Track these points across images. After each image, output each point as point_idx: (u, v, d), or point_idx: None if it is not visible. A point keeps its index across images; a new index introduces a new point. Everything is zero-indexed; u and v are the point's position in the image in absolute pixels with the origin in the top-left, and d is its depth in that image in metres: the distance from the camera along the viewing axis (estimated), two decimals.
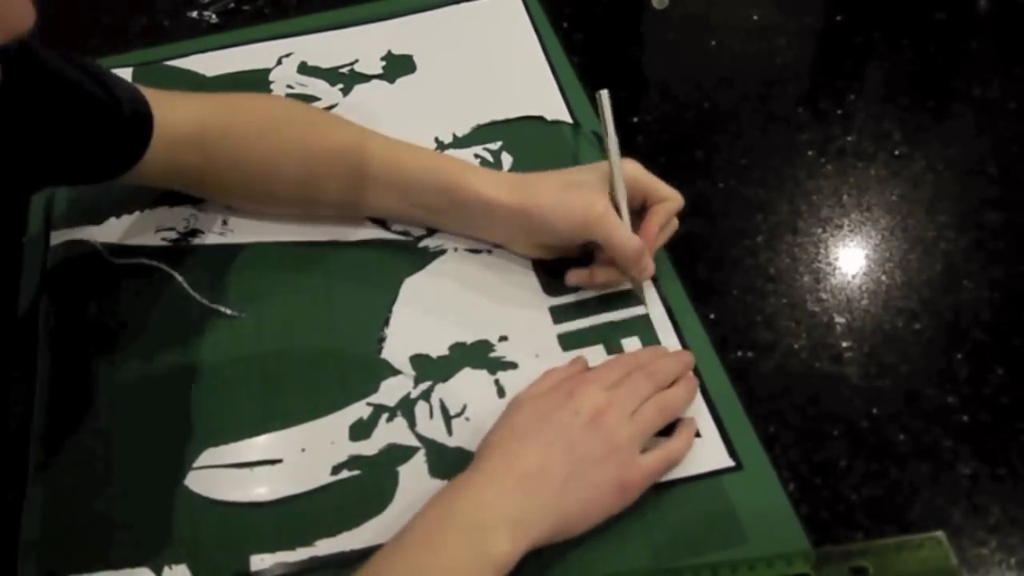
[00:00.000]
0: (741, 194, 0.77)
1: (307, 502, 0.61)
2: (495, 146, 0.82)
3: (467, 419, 0.64)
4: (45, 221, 0.79)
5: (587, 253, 0.71)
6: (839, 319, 0.68)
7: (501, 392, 0.66)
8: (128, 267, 0.75)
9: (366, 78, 0.90)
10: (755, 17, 0.93)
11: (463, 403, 0.65)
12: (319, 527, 0.60)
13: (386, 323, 0.70)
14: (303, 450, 0.64)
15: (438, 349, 0.68)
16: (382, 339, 0.69)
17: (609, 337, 0.68)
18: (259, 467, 0.63)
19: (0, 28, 0.38)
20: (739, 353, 0.67)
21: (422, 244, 0.75)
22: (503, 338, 0.69)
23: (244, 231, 0.77)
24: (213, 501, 0.62)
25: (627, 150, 0.80)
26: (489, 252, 0.74)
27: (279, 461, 0.63)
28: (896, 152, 0.80)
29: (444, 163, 0.72)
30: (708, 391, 0.65)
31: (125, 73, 0.92)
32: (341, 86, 0.89)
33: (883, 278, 0.71)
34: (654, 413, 0.60)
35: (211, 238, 0.77)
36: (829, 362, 0.66)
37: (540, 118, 0.84)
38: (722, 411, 0.64)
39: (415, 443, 0.63)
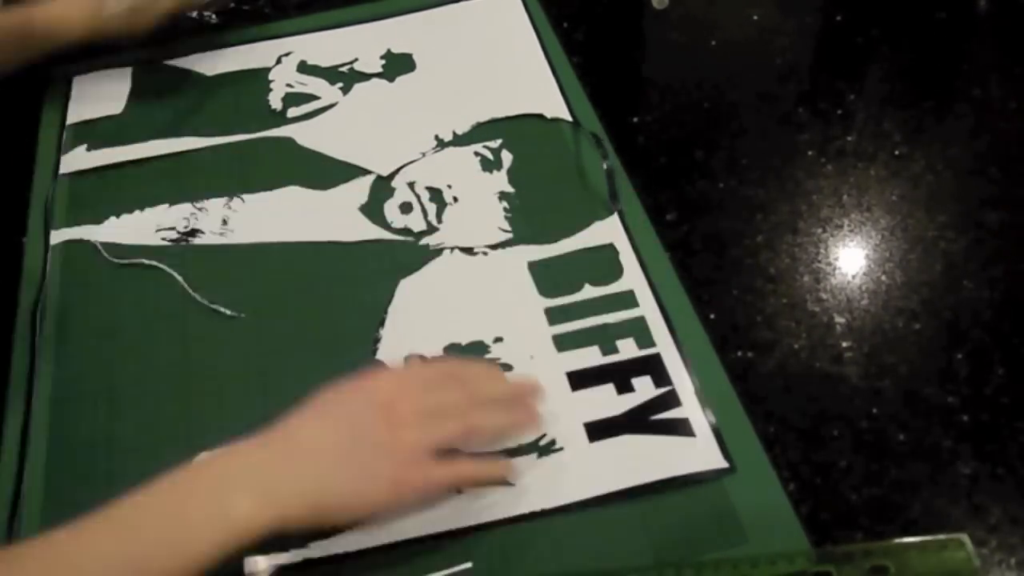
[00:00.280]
0: (741, 194, 0.77)
1: None
2: (495, 144, 0.82)
3: None
4: (45, 221, 0.80)
5: None
6: (839, 319, 0.68)
7: None
8: (128, 267, 0.75)
9: (366, 77, 0.90)
10: (755, 17, 0.93)
11: None
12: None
13: (381, 324, 0.70)
14: None
15: (433, 350, 0.68)
16: (377, 340, 0.69)
17: (604, 339, 0.68)
18: None
19: None
20: (739, 353, 0.67)
21: (422, 242, 0.75)
22: (498, 339, 0.68)
23: (244, 231, 0.77)
24: None
25: (627, 150, 0.80)
26: (485, 254, 0.74)
27: None
28: (896, 152, 0.80)
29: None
30: (707, 392, 0.65)
31: (126, 73, 0.92)
32: (341, 85, 0.89)
33: (883, 278, 0.71)
34: (456, 427, 0.57)
35: (211, 238, 0.77)
36: (829, 362, 0.66)
37: (539, 116, 0.84)
38: (722, 412, 0.63)
39: None
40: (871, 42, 0.90)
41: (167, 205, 0.79)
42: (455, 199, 0.78)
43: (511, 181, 0.79)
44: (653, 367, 0.66)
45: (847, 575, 0.55)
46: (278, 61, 0.92)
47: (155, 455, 0.64)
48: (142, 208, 0.79)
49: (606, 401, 0.64)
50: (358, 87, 0.89)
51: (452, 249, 0.74)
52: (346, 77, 0.90)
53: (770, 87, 0.86)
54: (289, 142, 0.84)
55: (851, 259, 0.72)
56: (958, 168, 0.78)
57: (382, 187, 0.80)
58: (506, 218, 0.76)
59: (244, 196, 0.80)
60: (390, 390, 0.58)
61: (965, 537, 0.56)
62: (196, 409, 0.67)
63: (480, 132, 0.84)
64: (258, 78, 0.91)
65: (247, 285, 0.73)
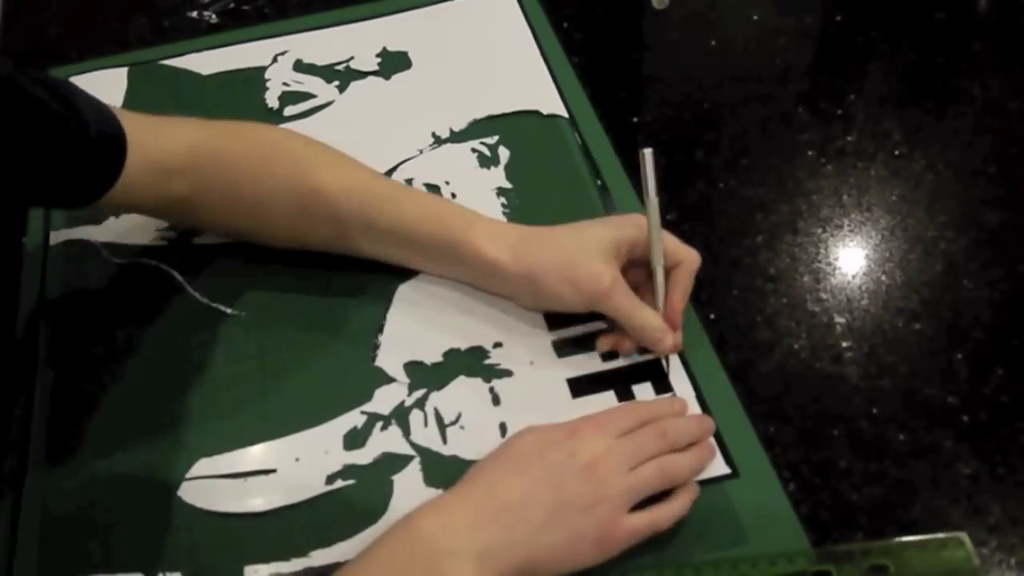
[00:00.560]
0: (741, 194, 0.77)
1: (301, 512, 0.61)
2: (492, 140, 0.82)
3: (462, 427, 0.64)
4: (45, 221, 0.79)
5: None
6: (839, 319, 0.68)
7: (496, 400, 0.65)
8: (128, 267, 0.75)
9: (362, 75, 0.90)
10: (755, 17, 0.93)
11: (458, 411, 0.65)
12: (314, 537, 0.59)
13: (380, 330, 0.70)
14: (297, 460, 0.63)
15: (432, 356, 0.68)
16: (376, 346, 0.69)
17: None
18: (253, 477, 0.63)
19: None
20: (739, 353, 0.67)
21: None
22: (498, 345, 0.68)
23: None
24: (208, 511, 0.61)
25: (627, 150, 0.80)
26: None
27: (273, 471, 0.63)
28: (896, 152, 0.80)
29: (445, 213, 0.68)
30: (707, 392, 0.65)
31: (121, 73, 0.92)
32: (337, 83, 0.89)
33: (883, 278, 0.71)
34: (654, 474, 0.57)
35: (211, 238, 0.76)
36: (829, 362, 0.66)
37: (536, 112, 0.84)
38: (722, 413, 0.63)
39: (410, 452, 0.63)
40: (871, 42, 0.90)
41: None
42: (453, 195, 0.78)
43: (508, 177, 0.79)
44: (654, 373, 0.66)
45: (847, 574, 0.55)
46: (274, 60, 0.92)
47: (155, 455, 0.64)
48: None
49: (607, 407, 0.64)
50: (354, 85, 0.89)
51: None
52: (342, 75, 0.90)
53: (770, 87, 0.86)
54: None
55: (851, 259, 0.72)
56: (958, 168, 0.78)
57: None
58: (504, 214, 0.76)
59: None
60: (592, 450, 0.56)
61: (964, 536, 0.56)
62: (196, 409, 0.66)
63: (477, 129, 0.83)
64: (254, 77, 0.91)
65: (247, 285, 0.73)
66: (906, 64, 0.88)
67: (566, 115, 0.84)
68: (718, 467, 0.61)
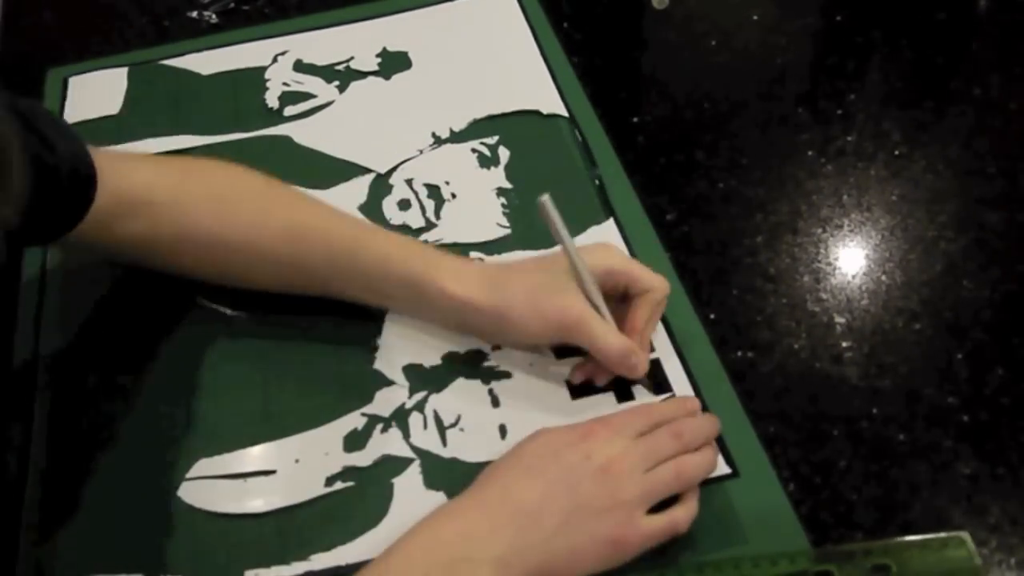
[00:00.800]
0: (741, 194, 0.77)
1: (302, 514, 0.61)
2: (492, 140, 0.82)
3: (461, 429, 0.64)
4: None
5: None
6: (839, 319, 0.68)
7: (495, 402, 0.65)
8: (128, 269, 0.75)
9: (362, 75, 0.90)
10: (755, 17, 0.93)
11: (457, 414, 0.65)
12: (314, 540, 0.59)
13: (379, 332, 0.69)
14: (296, 461, 0.63)
15: (431, 359, 0.68)
16: (375, 349, 0.69)
17: None
18: (252, 478, 0.63)
19: None
20: (739, 353, 0.67)
21: (420, 239, 0.74)
22: (496, 347, 0.68)
23: None
24: (208, 513, 0.61)
25: (627, 150, 0.80)
26: (481, 260, 0.73)
27: (272, 472, 0.63)
28: (896, 152, 0.79)
29: (408, 252, 0.66)
30: (707, 392, 0.64)
31: (121, 73, 0.92)
32: (337, 83, 0.89)
33: (883, 278, 0.71)
34: (671, 477, 0.56)
35: None
36: (829, 362, 0.66)
37: (536, 112, 0.84)
38: (722, 413, 0.63)
39: (409, 454, 0.63)
40: (871, 42, 0.90)
41: None
42: (453, 195, 0.78)
43: (508, 178, 0.79)
44: (653, 373, 0.66)
45: (849, 574, 0.55)
46: (274, 60, 0.92)
47: (155, 455, 0.64)
48: None
49: (607, 409, 0.64)
50: (354, 85, 0.89)
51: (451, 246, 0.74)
52: (342, 75, 0.90)
53: (770, 87, 0.86)
54: (287, 141, 0.84)
55: (851, 259, 0.72)
56: (958, 168, 0.78)
57: (380, 185, 0.79)
58: (504, 214, 0.76)
59: None
60: (607, 452, 0.56)
61: (966, 535, 0.56)
62: (196, 410, 0.66)
63: (477, 129, 0.83)
64: (254, 77, 0.91)
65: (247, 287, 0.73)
66: (906, 64, 0.88)
67: (566, 115, 0.84)
68: (718, 467, 0.60)
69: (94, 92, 0.91)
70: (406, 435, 0.64)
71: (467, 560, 0.52)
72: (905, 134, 0.81)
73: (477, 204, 0.77)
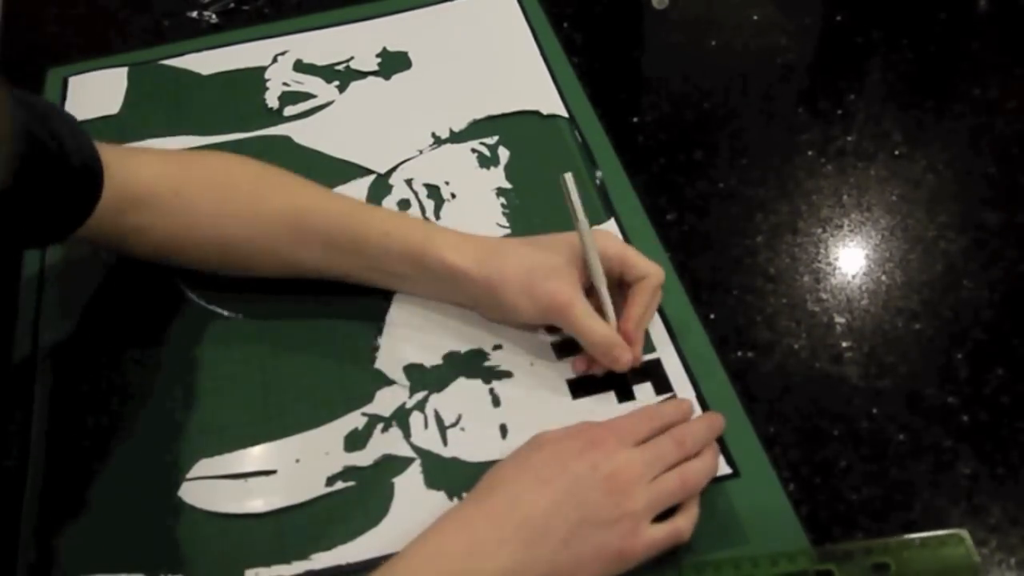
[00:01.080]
0: (741, 194, 0.77)
1: (302, 514, 0.61)
2: (492, 140, 0.82)
3: (462, 429, 0.64)
4: None
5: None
6: (839, 319, 0.68)
7: (496, 401, 0.65)
8: (127, 270, 0.75)
9: (362, 75, 0.90)
10: (755, 17, 0.93)
11: (458, 413, 0.65)
12: (315, 540, 0.59)
13: (379, 332, 0.69)
14: (297, 461, 0.63)
15: (432, 359, 0.68)
16: (375, 348, 0.69)
17: None
18: (253, 478, 0.63)
19: None
20: (739, 353, 0.67)
21: None
22: (497, 347, 0.68)
23: None
24: (208, 512, 0.61)
25: (627, 150, 0.80)
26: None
27: (273, 472, 0.63)
28: (896, 152, 0.80)
29: (406, 226, 0.67)
30: (707, 392, 0.64)
31: (121, 73, 0.92)
32: (337, 83, 0.89)
33: (883, 278, 0.71)
34: (676, 486, 0.56)
35: None
36: (829, 362, 0.66)
37: (536, 112, 0.84)
38: (722, 413, 0.63)
39: (410, 454, 0.63)
40: (871, 42, 0.90)
41: None
42: (453, 195, 0.78)
43: (508, 178, 0.79)
44: (654, 373, 0.66)
45: (849, 573, 0.55)
46: (274, 60, 0.92)
47: (155, 456, 0.64)
48: None
49: (607, 409, 0.64)
50: (354, 85, 0.89)
51: None
52: (342, 75, 0.90)
53: (770, 87, 0.86)
54: (286, 141, 0.84)
55: (851, 259, 0.72)
56: (958, 168, 0.78)
57: (380, 185, 0.79)
58: (504, 214, 0.76)
59: None
60: (613, 462, 0.55)
61: (965, 533, 0.56)
62: (196, 410, 0.66)
63: (476, 129, 0.83)
64: (254, 77, 0.91)
65: (246, 288, 0.73)
66: (906, 64, 0.88)
67: (566, 115, 0.84)
68: (720, 467, 0.60)
69: (94, 92, 0.91)
70: (407, 435, 0.64)
71: (472, 572, 0.52)
72: (905, 134, 0.81)
73: (477, 204, 0.77)
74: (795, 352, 0.67)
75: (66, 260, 0.76)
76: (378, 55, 0.92)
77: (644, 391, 0.65)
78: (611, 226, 0.75)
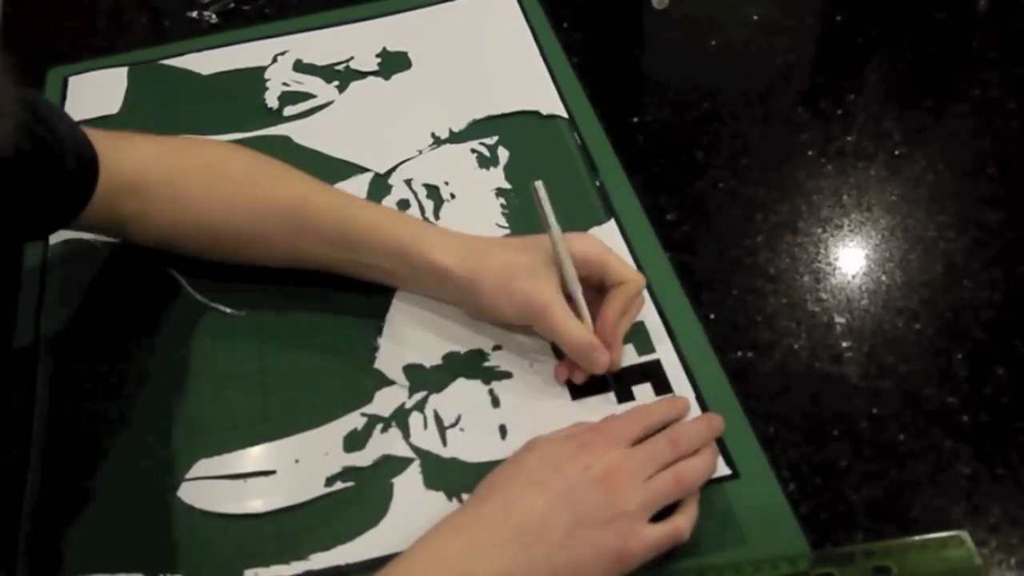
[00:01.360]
0: (741, 194, 0.77)
1: (301, 514, 0.61)
2: (491, 140, 0.82)
3: (461, 430, 0.64)
4: None
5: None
6: (839, 319, 0.68)
7: (496, 402, 0.65)
8: (128, 267, 0.75)
9: (362, 75, 0.90)
10: (755, 17, 0.93)
11: (457, 414, 0.65)
12: (314, 540, 0.59)
13: (379, 332, 0.69)
14: (296, 461, 0.63)
15: (431, 359, 0.68)
16: (375, 349, 0.69)
17: None
18: (252, 479, 0.63)
19: None
20: (739, 353, 0.67)
21: None
22: (497, 347, 0.68)
23: None
24: (208, 513, 0.61)
25: (627, 150, 0.80)
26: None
27: (272, 472, 0.63)
28: (896, 152, 0.79)
29: (396, 223, 0.67)
30: (707, 393, 0.64)
31: (121, 73, 0.92)
32: (337, 83, 0.89)
33: (883, 278, 0.71)
34: (670, 485, 0.56)
35: None
36: (829, 362, 0.66)
37: (536, 113, 0.84)
38: (721, 413, 0.63)
39: (409, 454, 0.63)
40: (871, 42, 0.90)
41: None
42: (452, 196, 0.78)
43: (508, 178, 0.79)
44: (653, 374, 0.66)
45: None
46: (274, 60, 0.92)
47: (155, 455, 0.64)
48: None
49: (607, 410, 0.63)
50: (354, 85, 0.89)
51: None
52: (342, 75, 0.90)
53: (770, 87, 0.86)
54: (286, 141, 0.84)
55: (851, 259, 0.72)
56: (958, 168, 0.78)
57: (379, 185, 0.79)
58: (504, 214, 0.76)
59: None
60: (607, 462, 0.55)
61: (966, 535, 0.56)
62: (196, 410, 0.66)
63: (476, 129, 0.83)
64: (254, 77, 0.91)
65: (247, 286, 0.73)
66: (906, 64, 0.88)
67: (566, 115, 0.84)
68: (718, 468, 0.60)
69: (94, 92, 0.91)
70: (406, 435, 0.64)
71: None
72: (905, 134, 0.81)
73: (476, 204, 0.77)
74: (795, 352, 0.67)
75: (66, 259, 0.76)
76: (378, 55, 0.92)
77: (644, 391, 0.65)
78: (611, 226, 0.75)
